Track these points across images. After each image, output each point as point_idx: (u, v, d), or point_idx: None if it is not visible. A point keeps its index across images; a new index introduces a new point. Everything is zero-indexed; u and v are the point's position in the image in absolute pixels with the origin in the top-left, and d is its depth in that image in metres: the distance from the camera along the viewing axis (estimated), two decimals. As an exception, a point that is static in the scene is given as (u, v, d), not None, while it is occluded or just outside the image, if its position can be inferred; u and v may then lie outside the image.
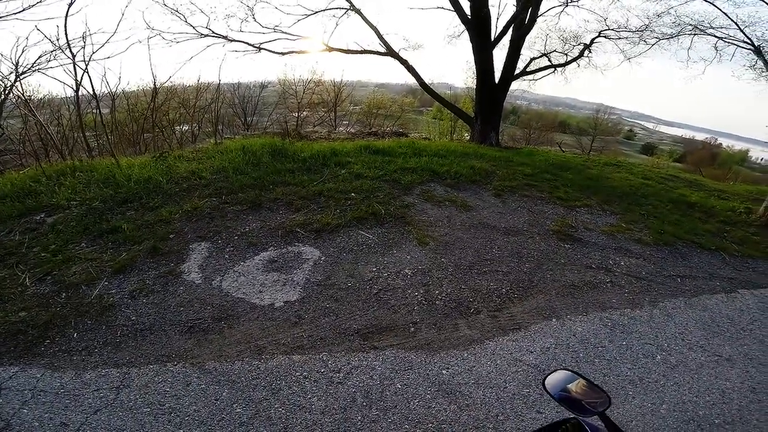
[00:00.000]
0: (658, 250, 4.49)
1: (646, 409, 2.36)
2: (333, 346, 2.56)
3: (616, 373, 2.61)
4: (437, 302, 3.12)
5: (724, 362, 2.93)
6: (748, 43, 6.98)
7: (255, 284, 3.11)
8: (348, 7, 9.04)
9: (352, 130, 11.68)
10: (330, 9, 9.05)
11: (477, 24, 8.53)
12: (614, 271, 3.92)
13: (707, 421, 2.37)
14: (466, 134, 11.28)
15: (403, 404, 2.18)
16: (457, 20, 8.95)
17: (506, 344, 2.72)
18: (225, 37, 8.58)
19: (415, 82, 9.81)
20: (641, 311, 3.36)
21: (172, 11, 7.95)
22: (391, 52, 9.40)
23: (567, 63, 10.60)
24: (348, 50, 9.58)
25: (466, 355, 2.59)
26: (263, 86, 15.59)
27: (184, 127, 10.13)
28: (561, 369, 1.13)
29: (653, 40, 8.85)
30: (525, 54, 9.96)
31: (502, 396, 2.29)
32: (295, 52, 9.59)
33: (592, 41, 10.22)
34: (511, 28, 9.06)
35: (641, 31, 9.05)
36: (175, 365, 2.34)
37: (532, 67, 10.55)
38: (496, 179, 5.60)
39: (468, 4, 8.46)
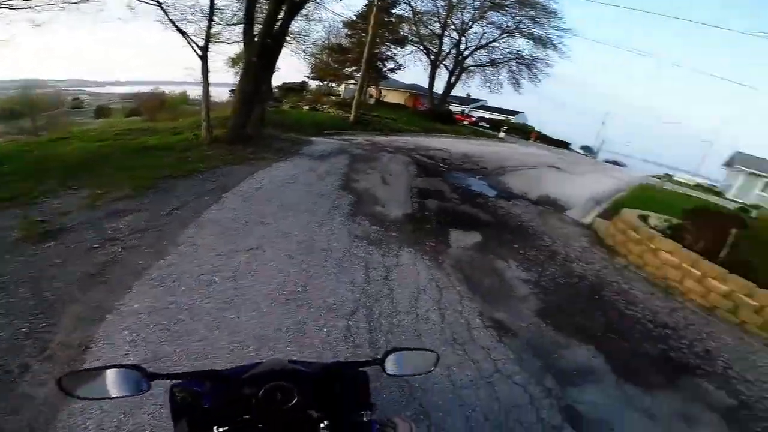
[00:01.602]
0: (147, 196, 4.71)
1: (253, 324, 2.73)
2: None
3: (204, 313, 2.73)
4: None
5: (258, 251, 3.73)
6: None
7: None
8: None
9: None
10: None
11: None
12: (120, 237, 3.76)
13: (294, 296, 3.14)
14: None
15: None
16: None
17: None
18: None
19: None
20: (171, 256, 3.47)
21: None
22: None
23: None
24: None
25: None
26: None
27: None
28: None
29: (64, 5, 7.82)
30: None
31: None
32: None
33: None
34: None
35: None
36: None
37: None
38: None
39: None
